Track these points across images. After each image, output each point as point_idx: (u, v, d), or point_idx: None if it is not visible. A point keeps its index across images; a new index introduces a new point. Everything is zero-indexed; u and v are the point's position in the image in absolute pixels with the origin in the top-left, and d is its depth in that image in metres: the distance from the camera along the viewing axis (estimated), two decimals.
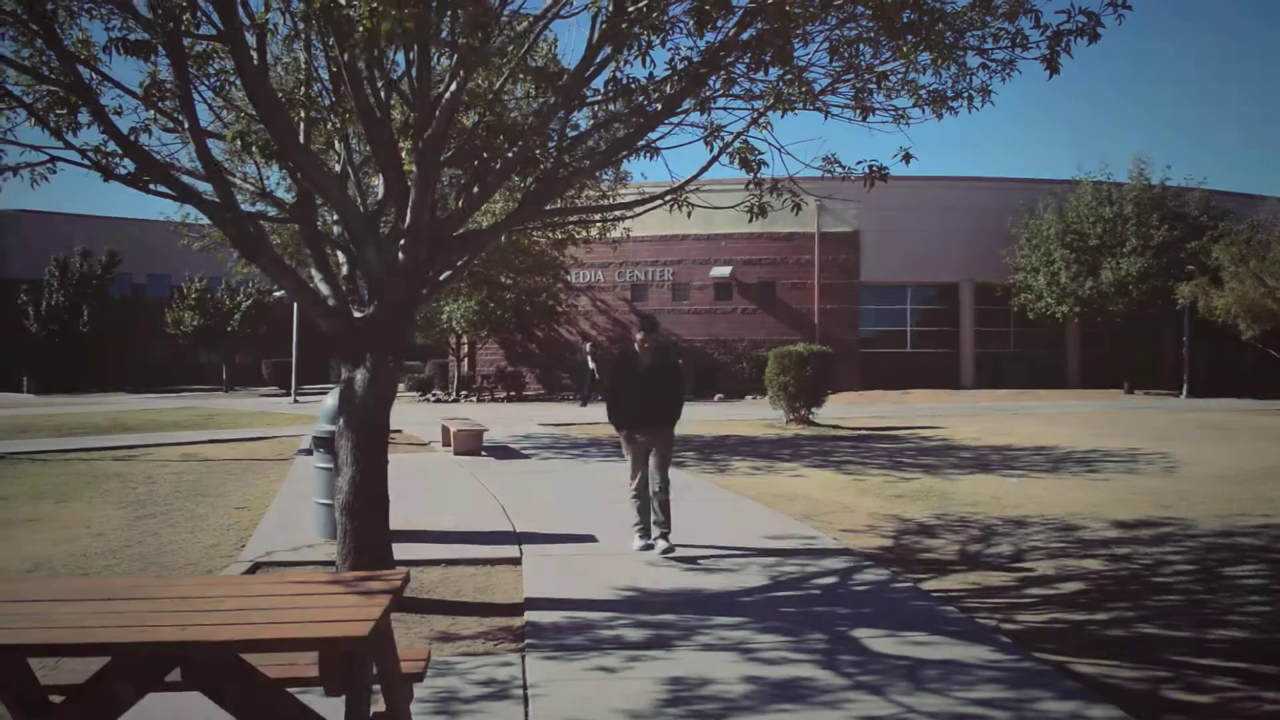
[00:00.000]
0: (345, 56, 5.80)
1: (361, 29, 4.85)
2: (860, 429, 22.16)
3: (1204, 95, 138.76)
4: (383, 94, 6.77)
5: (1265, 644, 6.10)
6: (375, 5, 4.57)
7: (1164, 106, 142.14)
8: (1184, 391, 34.72)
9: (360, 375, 6.87)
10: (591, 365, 33.66)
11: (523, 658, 5.73)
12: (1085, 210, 35.42)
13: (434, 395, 37.43)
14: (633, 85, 6.83)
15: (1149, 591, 7.40)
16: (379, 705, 3.78)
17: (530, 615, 6.61)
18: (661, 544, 8.37)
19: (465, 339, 38.42)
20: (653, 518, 8.54)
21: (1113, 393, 35.82)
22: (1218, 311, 28.70)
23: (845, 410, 27.28)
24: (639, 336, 8.57)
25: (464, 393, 37.04)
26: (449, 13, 5.93)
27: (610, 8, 6.15)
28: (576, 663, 5.63)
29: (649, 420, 8.54)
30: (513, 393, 36.77)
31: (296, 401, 33.47)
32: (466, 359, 40.15)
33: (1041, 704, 4.91)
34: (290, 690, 3.53)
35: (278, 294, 40.55)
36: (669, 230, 35.34)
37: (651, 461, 8.60)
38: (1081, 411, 27.80)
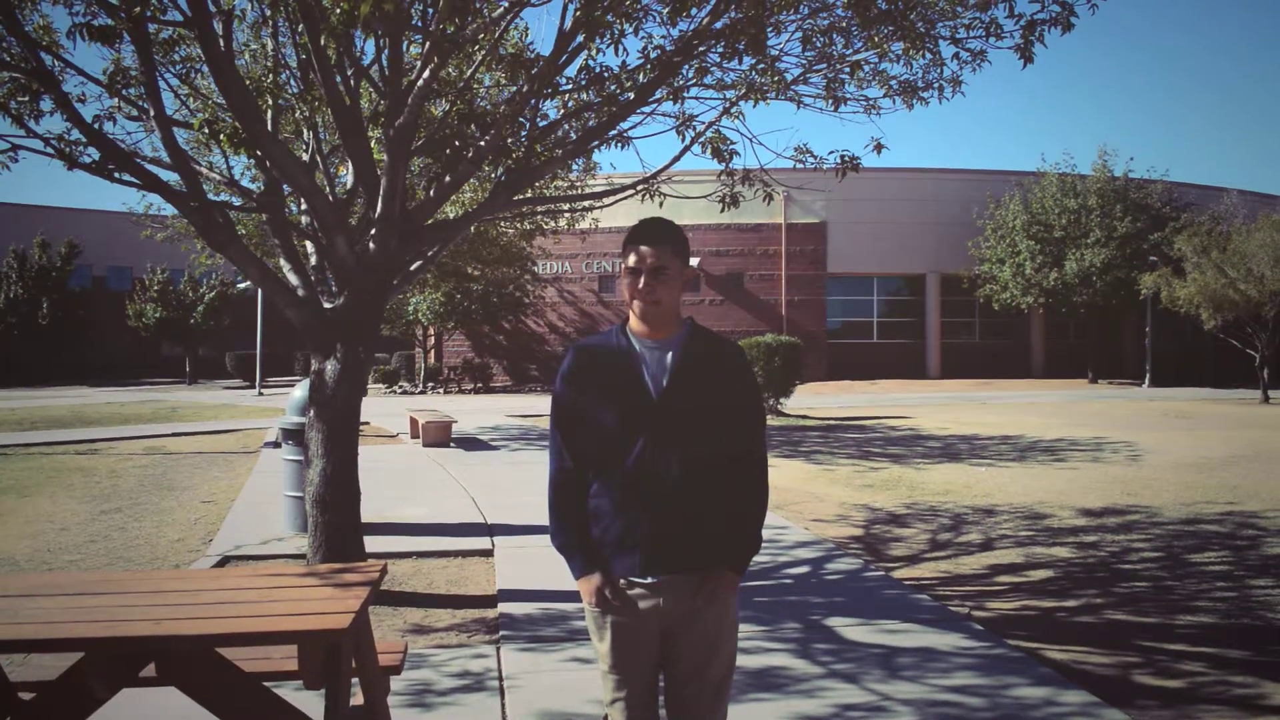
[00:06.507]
0: (321, 41, 5.71)
1: (338, 12, 4.78)
2: (828, 419, 22.27)
3: (1168, 89, 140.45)
4: (352, 81, 6.69)
5: (1232, 628, 6.18)
6: None
7: (1128, 100, 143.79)
8: (1147, 381, 35.20)
9: (330, 366, 6.79)
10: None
11: (497, 649, 5.70)
12: (1050, 202, 35.82)
13: (400, 387, 37.20)
14: (605, 74, 6.79)
15: (1117, 578, 7.47)
16: (356, 698, 3.75)
17: (504, 607, 6.57)
18: None
19: (432, 330, 38.22)
20: None
21: (1077, 382, 36.29)
22: (1180, 302, 29.03)
23: (813, 400, 27.43)
24: (649, 267, 3.21)
25: (430, 384, 36.84)
26: None
27: None
28: (552, 654, 5.60)
29: (675, 543, 3.10)
30: (480, 384, 36.62)
31: (261, 394, 33.15)
32: (433, 350, 39.94)
33: (1015, 690, 4.94)
34: (267, 684, 3.49)
35: (241, 286, 40.14)
36: (637, 221, 35.26)
37: (679, 687, 3.17)
38: (1047, 401, 28.09)
